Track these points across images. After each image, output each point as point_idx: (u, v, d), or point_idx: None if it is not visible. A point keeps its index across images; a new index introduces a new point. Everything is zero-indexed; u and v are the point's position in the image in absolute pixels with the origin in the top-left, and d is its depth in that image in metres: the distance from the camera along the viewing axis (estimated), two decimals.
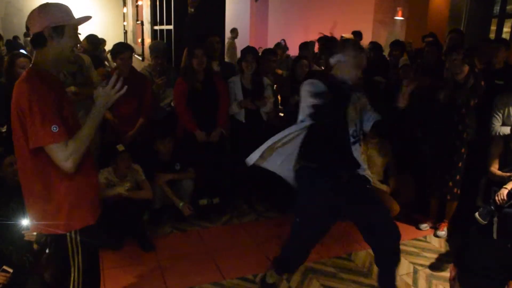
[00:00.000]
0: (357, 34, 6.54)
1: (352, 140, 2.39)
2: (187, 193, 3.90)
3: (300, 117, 2.36)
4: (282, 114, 4.57)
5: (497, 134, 3.51)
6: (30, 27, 1.79)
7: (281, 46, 7.10)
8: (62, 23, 1.78)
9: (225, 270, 3.08)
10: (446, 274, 3.02)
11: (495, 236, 3.12)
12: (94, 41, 5.64)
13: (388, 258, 2.48)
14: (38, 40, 1.78)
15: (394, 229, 2.43)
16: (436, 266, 3.24)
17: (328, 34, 2.71)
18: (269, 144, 2.37)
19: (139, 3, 10.03)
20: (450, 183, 3.57)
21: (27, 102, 1.67)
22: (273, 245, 3.45)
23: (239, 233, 3.68)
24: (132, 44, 10.09)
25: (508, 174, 3.28)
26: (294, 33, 10.14)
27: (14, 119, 1.76)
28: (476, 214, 3.16)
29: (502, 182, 3.23)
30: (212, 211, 3.94)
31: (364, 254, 3.32)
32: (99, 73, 4.42)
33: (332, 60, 2.35)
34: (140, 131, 3.88)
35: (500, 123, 3.53)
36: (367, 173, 2.52)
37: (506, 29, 6.03)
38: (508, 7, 6.02)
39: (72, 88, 3.75)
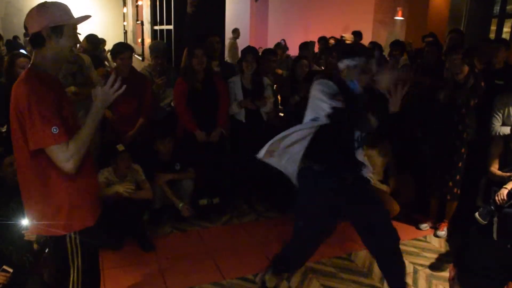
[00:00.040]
0: (357, 34, 6.54)
1: (356, 145, 2.39)
2: (187, 193, 3.90)
3: (310, 116, 2.32)
4: (282, 114, 4.57)
5: (497, 134, 3.51)
6: (28, 27, 1.77)
7: (281, 46, 7.10)
8: (61, 23, 1.76)
9: (225, 270, 3.08)
10: (446, 274, 3.02)
11: (495, 236, 3.12)
12: (94, 41, 5.63)
13: (389, 258, 2.48)
14: (36, 40, 1.76)
15: (393, 230, 2.44)
16: (436, 266, 3.24)
17: (337, 36, 2.71)
18: (278, 138, 2.35)
19: (139, 3, 10.02)
20: (450, 183, 3.57)
21: (26, 103, 1.65)
22: (273, 245, 3.44)
23: (239, 233, 3.68)
24: (132, 44, 10.09)
25: (508, 174, 3.28)
26: (294, 33, 10.14)
27: (13, 120, 1.74)
28: (476, 214, 3.16)
29: (502, 182, 3.23)
30: (212, 211, 3.94)
31: (364, 254, 3.32)
32: (99, 73, 4.42)
33: (341, 65, 2.32)
34: (140, 131, 3.88)
35: (500, 123, 3.53)
36: (369, 174, 2.52)
37: (506, 29, 6.03)
38: (508, 7, 6.02)
39: (72, 88, 3.75)
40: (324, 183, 2.37)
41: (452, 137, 3.53)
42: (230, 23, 6.78)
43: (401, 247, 2.56)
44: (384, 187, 3.86)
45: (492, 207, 3.12)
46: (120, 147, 3.41)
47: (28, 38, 1.81)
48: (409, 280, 3.05)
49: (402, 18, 7.74)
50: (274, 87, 4.56)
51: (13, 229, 2.55)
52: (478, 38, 5.47)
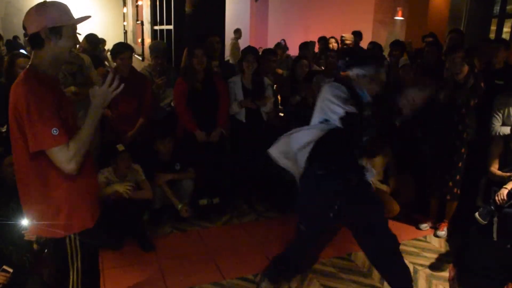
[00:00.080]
0: (357, 34, 6.53)
1: (361, 149, 2.39)
2: (187, 193, 3.90)
3: (319, 117, 2.30)
4: (282, 114, 4.57)
5: (497, 134, 3.51)
6: (26, 27, 1.74)
7: (281, 46, 7.10)
8: (60, 24, 1.73)
9: (225, 270, 3.08)
10: (446, 274, 3.02)
11: (495, 236, 3.12)
12: (94, 41, 5.62)
13: (388, 258, 2.47)
14: (35, 41, 1.73)
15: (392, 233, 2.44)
16: (436, 266, 3.23)
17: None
18: (288, 136, 2.35)
19: (139, 3, 10.03)
20: (450, 183, 3.57)
21: (24, 105, 1.63)
22: (273, 245, 3.45)
23: (239, 233, 3.68)
24: (132, 44, 10.10)
25: (508, 174, 3.28)
26: (294, 33, 10.14)
27: (11, 121, 1.72)
28: (476, 214, 3.16)
29: (502, 182, 3.23)
30: (212, 211, 3.94)
31: (364, 254, 3.32)
32: (99, 73, 4.42)
33: (352, 73, 2.31)
34: (140, 131, 3.88)
35: (500, 123, 3.53)
36: (371, 178, 2.51)
37: (506, 29, 6.03)
38: (508, 7, 6.01)
39: (72, 88, 3.75)
40: (328, 185, 2.36)
41: (452, 137, 3.53)
42: (230, 23, 6.78)
43: (401, 247, 2.56)
44: (384, 187, 3.86)
45: (492, 207, 3.12)
46: (120, 147, 3.41)
47: (27, 38, 1.79)
48: None
49: (402, 18, 7.74)
50: (274, 87, 4.56)
51: (13, 229, 2.55)
52: (478, 38, 5.47)
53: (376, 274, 3.09)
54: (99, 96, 1.76)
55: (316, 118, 2.33)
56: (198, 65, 3.70)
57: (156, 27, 7.16)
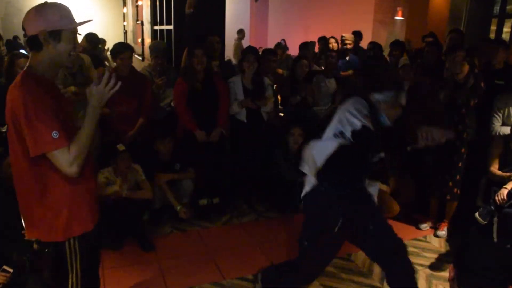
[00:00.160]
0: (357, 34, 6.54)
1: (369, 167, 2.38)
2: (187, 193, 3.91)
3: (333, 129, 2.25)
4: (282, 114, 4.57)
5: (497, 134, 3.51)
6: (26, 28, 1.71)
7: (281, 46, 7.10)
8: (59, 28, 1.69)
9: (225, 270, 3.08)
10: (446, 274, 3.02)
11: (495, 236, 3.12)
12: (94, 40, 5.62)
13: (388, 258, 2.46)
14: (33, 43, 1.69)
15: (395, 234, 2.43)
16: (436, 266, 3.24)
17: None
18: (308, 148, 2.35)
19: (139, 3, 10.03)
20: (450, 183, 3.57)
21: (22, 109, 1.59)
22: (273, 245, 3.45)
23: (239, 233, 3.68)
24: (132, 44, 10.10)
25: (508, 174, 3.28)
26: (294, 33, 10.14)
27: (9, 124, 1.69)
28: (476, 214, 3.16)
29: (502, 182, 3.23)
30: (212, 211, 3.93)
31: (364, 254, 3.31)
32: (99, 72, 4.42)
33: (372, 99, 2.26)
34: (140, 131, 3.88)
35: (500, 123, 3.53)
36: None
37: (506, 29, 6.03)
38: (508, 7, 6.01)
39: (72, 88, 3.75)
40: (333, 190, 2.32)
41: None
42: (230, 23, 6.78)
43: None
44: (384, 187, 3.85)
45: (492, 207, 3.12)
46: (121, 147, 3.41)
47: (26, 39, 1.76)
48: None
49: (402, 18, 7.74)
50: (274, 87, 4.57)
51: (13, 229, 2.55)
52: (478, 38, 5.47)
53: (376, 274, 3.09)
54: (96, 96, 1.72)
55: (331, 129, 2.29)
56: (198, 65, 3.70)
57: (156, 27, 7.17)
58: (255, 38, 12.23)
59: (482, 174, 3.52)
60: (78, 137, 1.70)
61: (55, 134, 1.61)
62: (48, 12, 1.69)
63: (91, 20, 1.80)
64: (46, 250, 1.86)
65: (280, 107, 4.70)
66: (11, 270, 2.42)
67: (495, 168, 3.41)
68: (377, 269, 3.16)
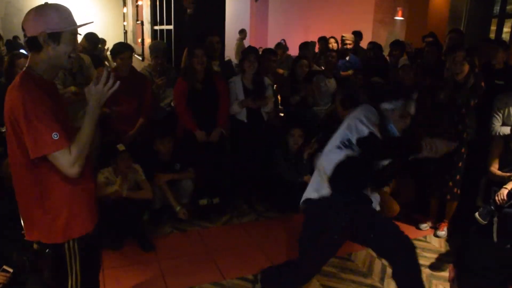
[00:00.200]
0: (357, 34, 6.54)
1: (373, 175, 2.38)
2: (187, 193, 3.91)
3: (343, 135, 2.25)
4: (282, 114, 4.57)
5: (497, 134, 3.51)
6: (25, 29, 1.69)
7: (282, 46, 7.10)
8: (59, 30, 1.67)
9: (225, 270, 3.08)
10: (446, 274, 3.02)
11: (495, 236, 3.12)
12: (94, 40, 5.61)
13: (389, 258, 2.46)
14: (32, 45, 1.68)
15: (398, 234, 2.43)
16: (436, 266, 3.24)
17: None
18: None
19: (139, 3, 10.02)
20: (450, 183, 3.57)
21: (22, 110, 1.58)
22: (273, 245, 3.45)
23: (239, 233, 3.68)
24: (132, 44, 10.09)
25: (508, 174, 3.28)
26: (294, 33, 10.14)
27: (7, 125, 1.68)
28: (476, 214, 3.16)
29: (502, 182, 3.23)
30: (212, 211, 3.93)
31: (364, 254, 3.32)
32: (99, 72, 4.42)
33: (381, 107, 2.28)
34: (140, 131, 3.88)
35: (500, 123, 3.53)
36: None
37: (506, 29, 6.03)
38: (508, 7, 6.01)
39: (72, 88, 3.76)
40: (339, 196, 2.32)
41: (452, 137, 3.53)
42: (230, 23, 6.77)
43: None
44: (384, 187, 3.86)
45: (492, 207, 3.12)
46: (121, 147, 3.41)
47: (25, 40, 1.75)
48: None
49: (402, 18, 7.74)
50: (274, 87, 4.57)
51: (13, 229, 2.55)
52: (478, 38, 5.47)
53: (376, 274, 3.10)
54: (94, 95, 1.71)
55: (339, 135, 2.29)
56: (198, 65, 3.70)
57: (156, 27, 7.17)
58: (255, 38, 12.23)
59: (482, 174, 3.52)
60: (78, 138, 1.69)
61: (55, 136, 1.60)
62: (48, 14, 1.67)
63: (92, 22, 1.79)
64: (47, 251, 1.85)
65: (280, 107, 4.70)
66: (11, 270, 2.42)
67: (495, 168, 3.41)
68: (377, 269, 3.16)
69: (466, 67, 3.41)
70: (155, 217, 3.76)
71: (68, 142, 1.65)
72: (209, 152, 3.86)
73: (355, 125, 2.20)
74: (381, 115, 2.26)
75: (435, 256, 3.38)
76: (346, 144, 2.22)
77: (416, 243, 3.57)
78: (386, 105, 2.25)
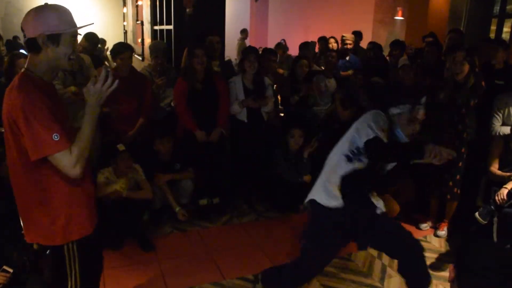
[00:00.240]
0: (357, 34, 6.54)
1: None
2: (187, 193, 3.91)
3: (350, 138, 2.27)
4: (282, 114, 4.57)
5: (497, 134, 3.51)
6: (25, 30, 1.68)
7: (282, 46, 7.11)
8: (58, 32, 1.66)
9: (225, 270, 3.08)
10: (446, 274, 3.02)
11: (495, 236, 3.12)
12: (94, 40, 5.61)
13: (396, 255, 2.47)
14: (31, 46, 1.67)
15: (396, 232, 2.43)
16: (436, 266, 3.23)
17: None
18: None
19: (139, 3, 10.03)
20: (450, 183, 3.57)
21: (21, 112, 1.57)
22: (273, 245, 3.45)
23: (239, 233, 3.68)
24: (132, 44, 10.10)
25: (508, 174, 3.28)
26: (294, 33, 10.14)
27: (5, 127, 1.66)
28: (476, 214, 3.16)
29: (502, 182, 3.23)
30: (212, 211, 3.93)
31: (364, 254, 3.32)
32: (99, 72, 4.42)
33: (388, 112, 2.28)
34: (140, 131, 3.88)
35: (500, 123, 3.53)
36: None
37: (506, 29, 6.03)
38: (508, 7, 6.02)
39: (72, 88, 3.76)
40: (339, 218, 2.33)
41: (452, 137, 3.53)
42: (230, 23, 6.78)
43: None
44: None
45: (492, 207, 3.12)
46: (121, 147, 3.41)
47: (24, 41, 1.74)
48: None
49: (402, 18, 7.74)
50: (274, 87, 4.57)
51: (13, 229, 2.55)
52: (478, 38, 5.47)
53: (376, 274, 3.09)
54: (93, 95, 1.70)
55: (346, 139, 2.30)
56: (198, 65, 3.70)
57: (156, 27, 7.17)
58: (255, 38, 12.23)
59: (482, 174, 3.52)
60: (78, 138, 1.68)
61: (56, 137, 1.59)
62: (48, 15, 1.66)
63: (92, 23, 1.78)
64: (48, 252, 1.84)
65: (280, 107, 4.70)
66: (11, 270, 2.42)
67: (495, 168, 3.41)
68: (377, 269, 3.16)
69: (466, 67, 3.41)
70: (155, 217, 3.75)
71: (69, 142, 1.64)
72: (209, 152, 3.86)
73: (364, 129, 2.20)
74: (389, 120, 2.26)
75: (435, 256, 3.38)
76: (354, 152, 2.22)
77: None
78: (393, 110, 2.26)
